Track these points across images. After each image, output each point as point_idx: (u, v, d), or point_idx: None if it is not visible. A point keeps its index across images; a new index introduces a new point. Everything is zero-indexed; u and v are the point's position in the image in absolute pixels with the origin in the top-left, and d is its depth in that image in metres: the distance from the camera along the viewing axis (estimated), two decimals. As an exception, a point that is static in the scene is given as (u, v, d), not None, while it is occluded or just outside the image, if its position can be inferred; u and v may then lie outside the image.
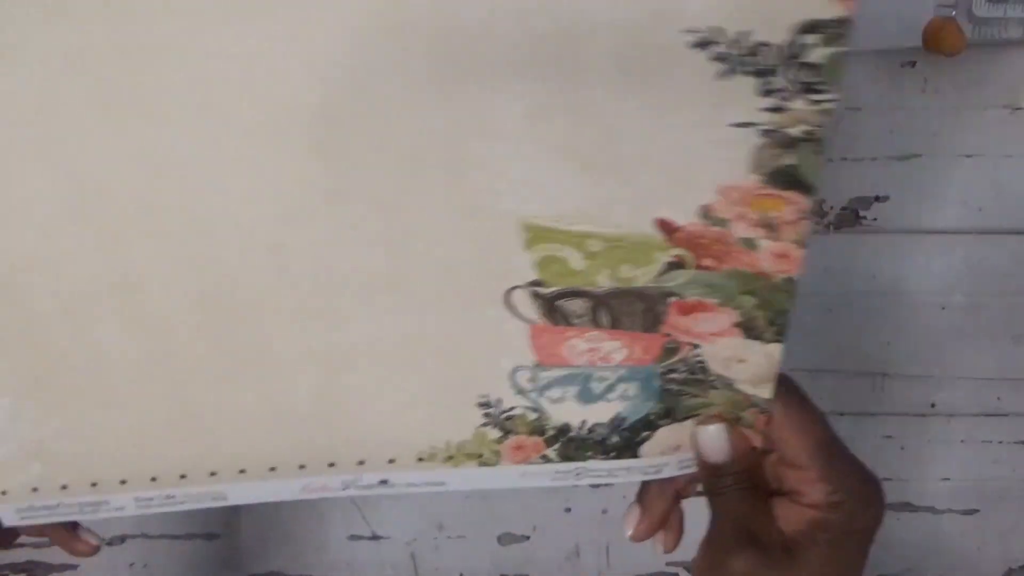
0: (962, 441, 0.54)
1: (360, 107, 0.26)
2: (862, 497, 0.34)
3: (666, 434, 0.36)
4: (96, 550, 0.39)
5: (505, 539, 0.57)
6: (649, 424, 0.35)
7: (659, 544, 0.40)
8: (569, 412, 0.35)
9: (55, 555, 0.39)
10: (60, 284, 0.30)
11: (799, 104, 0.26)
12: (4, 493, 0.35)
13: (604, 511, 0.56)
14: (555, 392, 0.34)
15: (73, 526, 0.39)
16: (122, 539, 0.55)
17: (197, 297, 0.30)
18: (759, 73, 0.25)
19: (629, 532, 0.39)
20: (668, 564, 0.58)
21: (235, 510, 0.55)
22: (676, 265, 0.30)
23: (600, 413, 0.35)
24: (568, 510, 0.56)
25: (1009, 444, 0.54)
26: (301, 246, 0.29)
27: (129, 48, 0.25)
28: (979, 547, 0.57)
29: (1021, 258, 0.48)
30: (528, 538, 0.57)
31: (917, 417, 0.53)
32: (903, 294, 0.50)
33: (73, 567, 0.54)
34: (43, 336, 0.31)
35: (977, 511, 0.56)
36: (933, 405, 0.53)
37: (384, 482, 0.36)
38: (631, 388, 0.34)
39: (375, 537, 0.56)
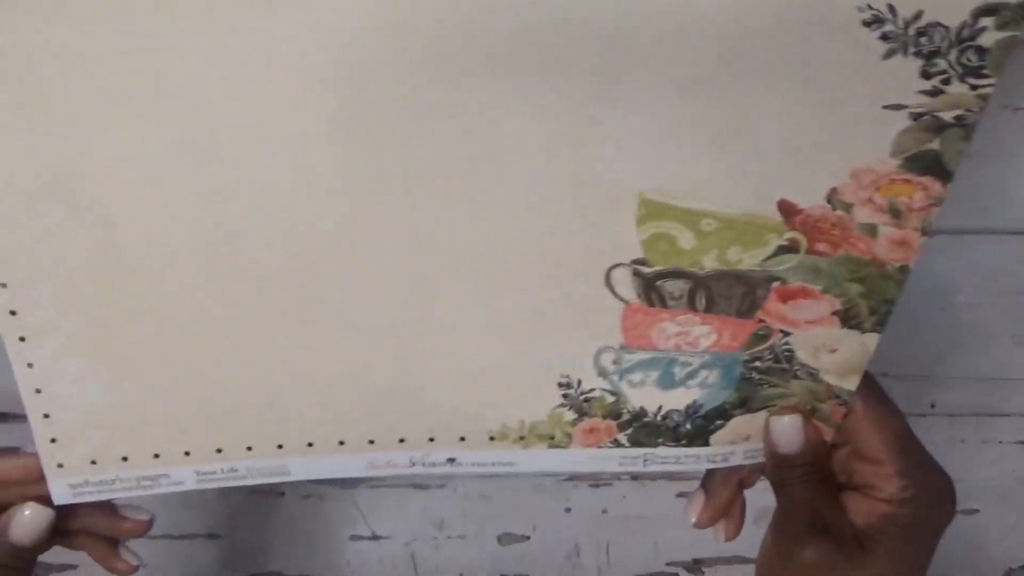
0: (962, 441, 0.54)
1: (486, 71, 0.26)
2: (935, 494, 0.34)
3: (738, 424, 0.36)
4: (135, 570, 0.39)
5: (505, 539, 0.57)
6: (723, 413, 0.35)
7: (720, 532, 0.40)
8: (647, 397, 0.35)
9: (55, 555, 0.39)
10: (154, 241, 0.29)
11: (957, 88, 0.26)
12: (60, 466, 0.34)
13: (604, 511, 0.56)
14: (636, 376, 0.34)
15: (114, 543, 0.39)
16: (122, 539, 0.55)
17: (290, 263, 0.30)
18: (925, 55, 0.25)
19: (692, 519, 0.39)
20: (668, 564, 0.58)
21: (235, 510, 0.55)
22: (787, 249, 0.30)
23: (677, 400, 0.35)
24: (568, 510, 0.56)
25: (1009, 444, 0.54)
26: (397, 215, 0.29)
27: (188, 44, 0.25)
28: (979, 547, 0.57)
29: (1021, 258, 0.48)
30: (528, 538, 0.57)
31: (917, 417, 0.53)
32: (903, 294, 0.50)
33: (73, 567, 0.54)
34: (128, 295, 0.30)
35: (977, 511, 0.56)
36: (933, 405, 0.53)
37: (452, 460, 0.36)
38: (712, 375, 0.34)
39: (375, 537, 0.56)
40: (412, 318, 0.32)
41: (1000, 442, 0.54)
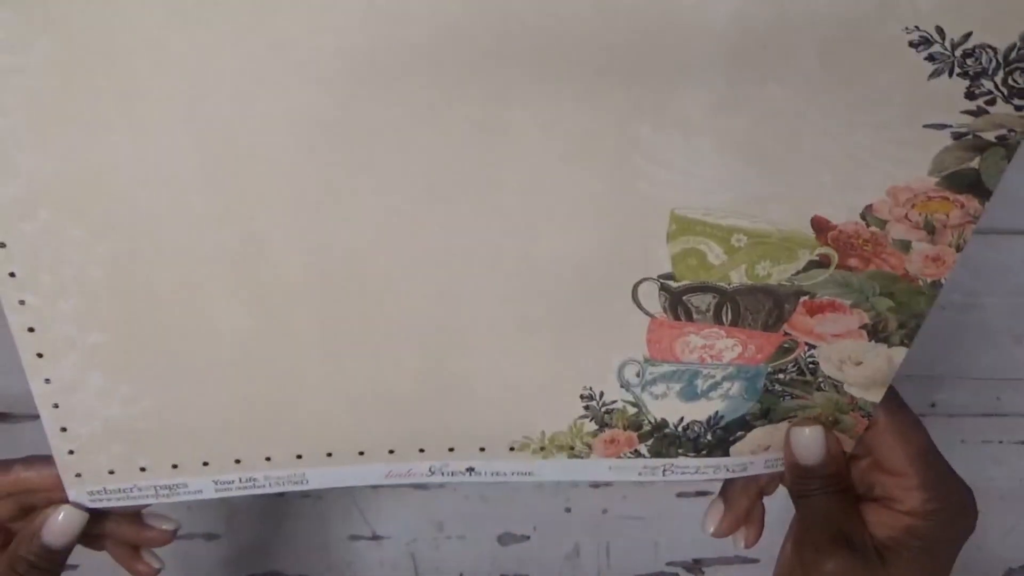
0: (962, 441, 0.54)
1: (518, 81, 0.26)
2: (957, 507, 0.34)
3: (759, 434, 0.36)
4: (156, 573, 0.39)
5: (505, 539, 0.57)
6: (744, 424, 0.35)
7: (739, 539, 0.40)
8: (669, 408, 0.35)
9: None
10: (180, 251, 0.29)
11: (1002, 109, 0.26)
12: (79, 476, 0.34)
13: (604, 511, 0.56)
14: (659, 388, 0.34)
15: (135, 547, 0.39)
16: (122, 539, 0.55)
17: (319, 271, 0.30)
18: (971, 75, 0.25)
19: (711, 528, 0.39)
20: (668, 564, 0.58)
21: (235, 510, 0.55)
22: (818, 264, 0.30)
23: (699, 411, 0.35)
24: (568, 510, 0.56)
25: (1009, 444, 0.54)
26: (423, 226, 0.29)
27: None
28: (979, 547, 0.57)
29: (1021, 258, 0.48)
30: (528, 538, 0.57)
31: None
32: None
33: (73, 567, 0.54)
34: (150, 309, 0.30)
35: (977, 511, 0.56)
36: (933, 405, 0.53)
37: (471, 470, 0.36)
38: (735, 387, 0.34)
39: (375, 537, 0.56)
40: (436, 330, 0.32)
41: (1000, 442, 0.54)
